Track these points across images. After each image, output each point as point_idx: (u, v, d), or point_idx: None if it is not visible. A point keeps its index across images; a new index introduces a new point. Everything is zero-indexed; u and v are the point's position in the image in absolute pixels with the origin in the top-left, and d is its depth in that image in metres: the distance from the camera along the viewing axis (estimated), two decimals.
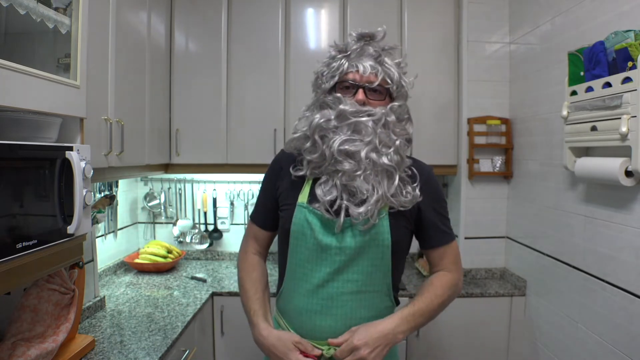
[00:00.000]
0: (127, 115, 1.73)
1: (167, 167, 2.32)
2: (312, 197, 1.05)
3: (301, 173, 1.08)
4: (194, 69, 2.28)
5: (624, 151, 1.34)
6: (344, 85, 1.06)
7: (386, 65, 1.06)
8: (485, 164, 2.25)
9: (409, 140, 1.09)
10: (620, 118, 1.31)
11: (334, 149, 0.99)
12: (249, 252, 1.22)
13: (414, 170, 1.08)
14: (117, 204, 2.29)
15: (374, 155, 0.99)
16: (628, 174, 1.32)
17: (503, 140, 2.22)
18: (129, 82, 1.77)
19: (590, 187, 1.59)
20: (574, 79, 1.58)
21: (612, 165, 1.35)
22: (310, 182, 1.08)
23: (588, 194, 1.61)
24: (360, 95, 1.03)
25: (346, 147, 0.99)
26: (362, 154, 0.98)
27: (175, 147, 2.28)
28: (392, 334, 0.98)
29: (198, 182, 2.62)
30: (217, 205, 2.61)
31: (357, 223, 1.01)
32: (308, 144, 1.05)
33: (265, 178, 1.21)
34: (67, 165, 1.11)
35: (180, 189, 2.61)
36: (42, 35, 1.14)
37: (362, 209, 0.98)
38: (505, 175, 2.23)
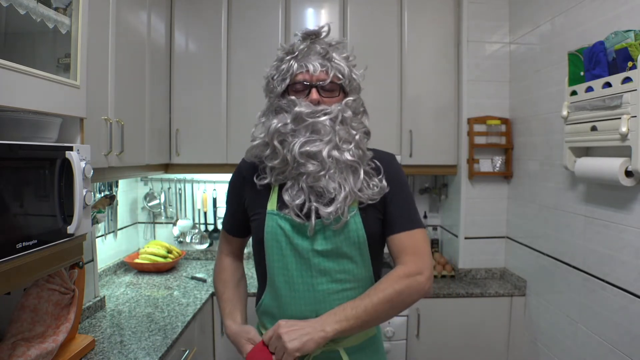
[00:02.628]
0: (127, 115, 1.73)
1: (167, 167, 2.32)
2: (281, 203, 1.04)
3: (265, 181, 1.06)
4: (194, 69, 2.28)
5: (624, 151, 1.34)
6: (296, 88, 1.04)
7: (335, 61, 1.04)
8: (485, 164, 2.25)
9: (367, 133, 1.09)
10: (620, 118, 1.31)
11: (295, 152, 0.98)
12: (222, 255, 1.26)
13: (377, 162, 1.07)
14: (117, 204, 2.29)
15: (335, 153, 0.99)
16: (628, 174, 1.32)
17: (503, 140, 2.22)
18: (129, 82, 1.77)
19: (590, 187, 1.59)
20: (574, 79, 1.58)
21: (612, 165, 1.35)
22: (277, 188, 1.07)
23: (588, 194, 1.61)
24: (314, 95, 1.02)
25: (307, 148, 0.98)
26: (324, 153, 0.98)
27: (175, 147, 2.28)
28: (318, 322, 0.95)
29: (198, 182, 2.62)
30: (217, 205, 2.61)
31: (329, 223, 1.00)
32: (268, 151, 1.03)
33: (229, 189, 1.21)
34: (67, 165, 1.11)
35: (180, 189, 2.61)
36: (42, 35, 1.14)
37: (331, 208, 0.98)
38: (505, 175, 2.23)
